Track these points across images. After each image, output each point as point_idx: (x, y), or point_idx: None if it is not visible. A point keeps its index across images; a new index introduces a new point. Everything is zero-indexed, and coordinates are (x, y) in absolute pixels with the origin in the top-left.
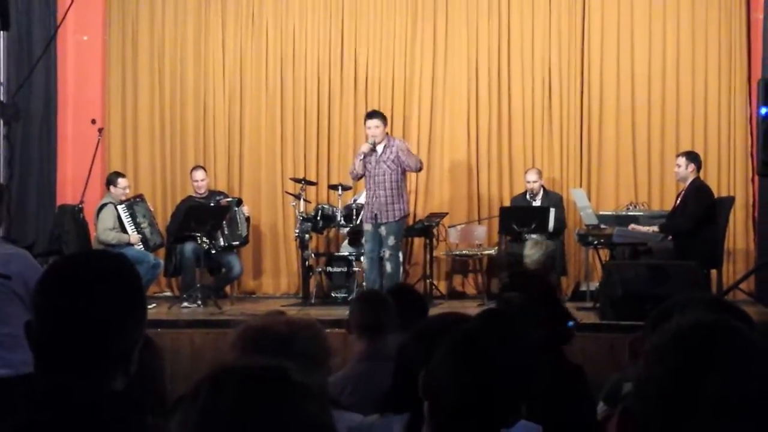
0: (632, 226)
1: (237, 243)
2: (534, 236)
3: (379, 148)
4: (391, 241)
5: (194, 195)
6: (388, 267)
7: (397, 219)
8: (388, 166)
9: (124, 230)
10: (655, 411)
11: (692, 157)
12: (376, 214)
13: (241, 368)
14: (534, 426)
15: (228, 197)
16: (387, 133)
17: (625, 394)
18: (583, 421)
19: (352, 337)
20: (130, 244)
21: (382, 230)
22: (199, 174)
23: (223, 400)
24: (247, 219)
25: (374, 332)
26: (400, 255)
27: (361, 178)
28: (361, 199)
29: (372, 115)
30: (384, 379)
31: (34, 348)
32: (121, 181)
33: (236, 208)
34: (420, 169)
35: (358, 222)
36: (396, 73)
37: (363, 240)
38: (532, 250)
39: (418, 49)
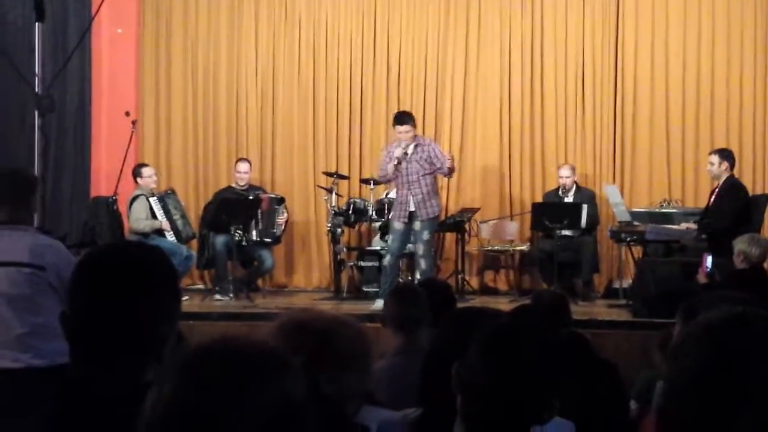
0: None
1: (269, 240)
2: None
3: (410, 149)
4: (425, 236)
5: (234, 186)
6: (423, 264)
7: (433, 216)
8: (421, 165)
9: (156, 220)
10: (693, 406)
11: (725, 154)
12: (412, 212)
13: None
14: (566, 423)
15: (266, 193)
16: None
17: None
18: (616, 419)
19: (388, 332)
20: (161, 232)
21: (417, 225)
22: (243, 166)
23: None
24: (285, 221)
25: (410, 326)
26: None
27: (391, 181)
28: (393, 194)
29: (403, 120)
30: (419, 372)
31: (68, 337)
32: (145, 170)
33: (276, 207)
34: (450, 175)
35: (390, 216)
36: (428, 69)
37: (389, 239)
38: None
39: (450, 45)
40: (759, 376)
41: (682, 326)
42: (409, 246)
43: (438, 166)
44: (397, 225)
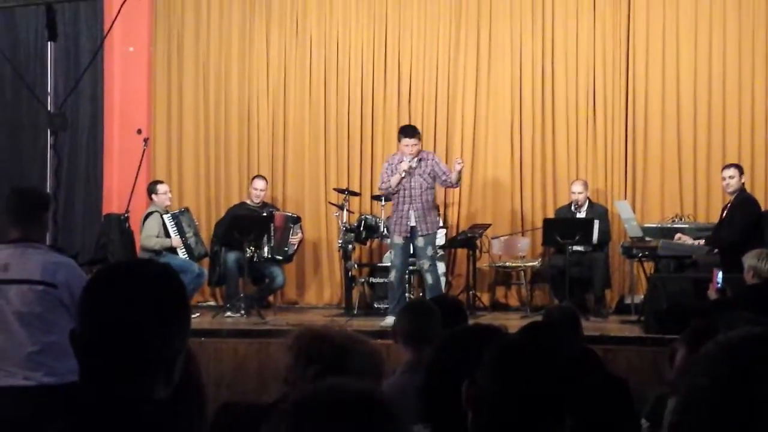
0: (679, 235)
1: (280, 258)
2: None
3: (413, 162)
4: (430, 251)
5: (248, 202)
6: (429, 279)
7: (434, 230)
8: (424, 180)
9: (168, 238)
10: (705, 424)
11: (741, 168)
12: (413, 227)
13: (326, 392)
14: None
15: (280, 211)
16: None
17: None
18: None
19: (399, 347)
20: (172, 249)
21: (420, 241)
22: (260, 183)
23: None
24: (300, 242)
25: (420, 342)
26: (440, 265)
27: (392, 194)
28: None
29: (410, 133)
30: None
31: (78, 355)
32: (160, 188)
33: (291, 225)
34: (457, 185)
35: (390, 231)
36: (439, 85)
37: (391, 255)
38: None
39: (461, 61)
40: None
41: (685, 349)
42: (417, 262)
43: (443, 178)
44: (398, 240)
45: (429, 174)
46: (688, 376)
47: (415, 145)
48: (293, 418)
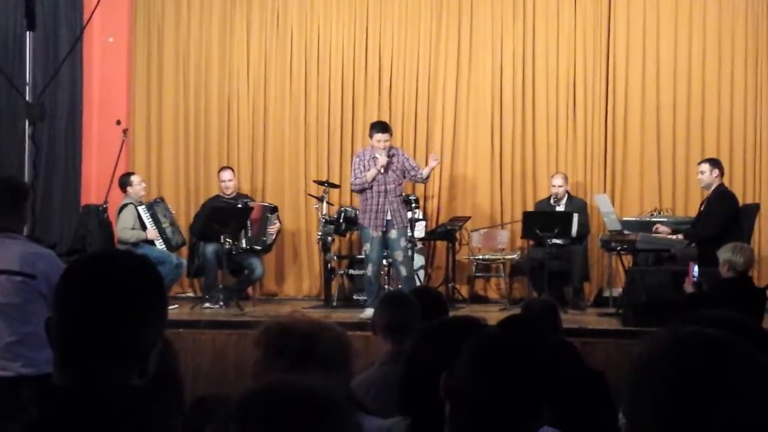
0: (657, 226)
1: (259, 248)
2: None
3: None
4: (403, 242)
5: (221, 195)
6: (404, 271)
7: (407, 224)
8: (396, 175)
9: (144, 230)
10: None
11: (715, 162)
12: (389, 221)
13: (270, 391)
14: (554, 431)
15: (254, 201)
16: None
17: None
18: (604, 429)
19: (378, 339)
20: (149, 241)
21: (393, 234)
22: (226, 174)
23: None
24: (278, 231)
25: (399, 334)
26: (419, 258)
27: (365, 189)
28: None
29: (384, 129)
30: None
31: (53, 344)
32: (134, 179)
33: (269, 215)
34: (426, 180)
35: (365, 225)
36: (420, 78)
37: (367, 250)
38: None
39: (441, 55)
40: (721, 412)
41: None
42: (391, 254)
43: (413, 173)
44: (375, 233)
45: (400, 169)
46: (635, 369)
47: (387, 140)
48: (242, 414)
